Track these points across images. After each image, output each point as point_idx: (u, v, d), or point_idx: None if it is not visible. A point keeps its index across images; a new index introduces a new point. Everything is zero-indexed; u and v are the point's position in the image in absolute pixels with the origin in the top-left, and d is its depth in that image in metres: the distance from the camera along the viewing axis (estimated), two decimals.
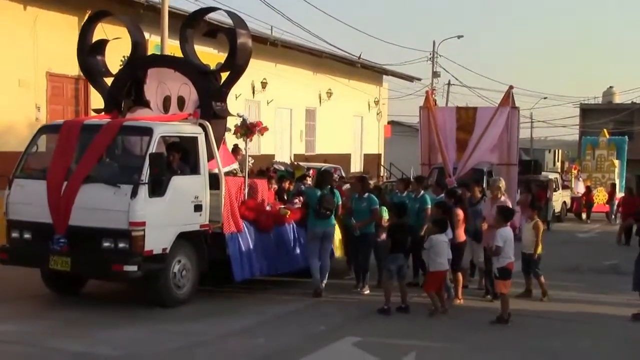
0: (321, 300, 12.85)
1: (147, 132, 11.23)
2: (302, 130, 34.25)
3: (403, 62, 60.29)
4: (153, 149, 11.01)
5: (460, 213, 13.13)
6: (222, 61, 12.93)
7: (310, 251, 13.12)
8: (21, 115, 19.25)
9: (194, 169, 11.74)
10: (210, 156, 11.89)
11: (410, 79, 42.23)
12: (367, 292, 13.39)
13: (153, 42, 22.94)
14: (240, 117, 12.96)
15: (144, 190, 10.74)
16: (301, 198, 14.22)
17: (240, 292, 12.93)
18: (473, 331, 11.28)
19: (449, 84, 54.82)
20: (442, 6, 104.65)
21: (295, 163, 18.67)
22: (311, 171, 16.70)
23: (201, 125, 11.92)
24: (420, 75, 45.56)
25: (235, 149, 14.85)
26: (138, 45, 12.96)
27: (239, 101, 28.83)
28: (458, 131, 19.05)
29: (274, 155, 30.76)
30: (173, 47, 23.51)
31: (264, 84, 30.31)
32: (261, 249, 12.74)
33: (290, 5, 30.43)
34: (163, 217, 11.05)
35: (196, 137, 11.78)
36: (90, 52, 13.01)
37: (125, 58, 14.86)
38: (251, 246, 12.50)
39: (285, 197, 14.49)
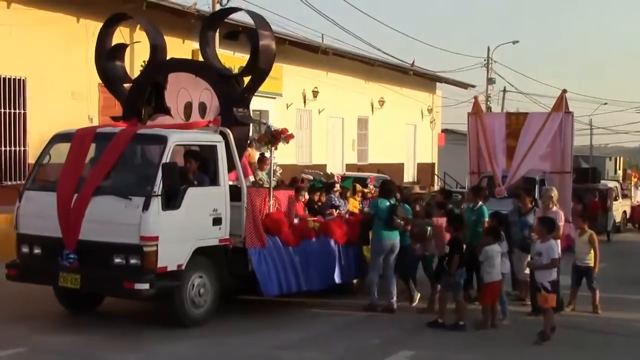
0: (371, 315, 12.09)
1: (161, 140, 10.43)
2: (354, 139, 33.78)
3: (457, 69, 59.38)
4: (167, 158, 10.19)
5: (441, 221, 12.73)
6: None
7: (374, 265, 12.40)
8: (74, 126, 18.86)
9: (213, 180, 10.92)
10: (232, 166, 11.12)
11: (464, 86, 41.52)
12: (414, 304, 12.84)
13: (189, 47, 23.03)
14: (264, 124, 12.38)
15: (156, 203, 9.94)
16: (334, 211, 13.48)
17: (278, 308, 12.14)
18: (523, 347, 10.65)
19: (504, 90, 53.86)
20: (497, 11, 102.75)
21: (329, 173, 17.76)
22: (336, 177, 15.78)
23: (222, 133, 11.10)
24: (475, 82, 44.36)
25: (262, 158, 14.07)
26: (157, 48, 12.13)
27: (290, 110, 29.00)
28: (508, 138, 18.06)
29: (325, 165, 30.36)
30: (224, 57, 24.29)
31: (315, 93, 29.97)
32: (289, 265, 11.86)
33: (342, 13, 29.73)
34: (178, 231, 10.26)
35: (215, 146, 10.95)
36: (108, 57, 12.32)
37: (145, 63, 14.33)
38: (277, 261, 11.65)
39: (317, 209, 13.59)
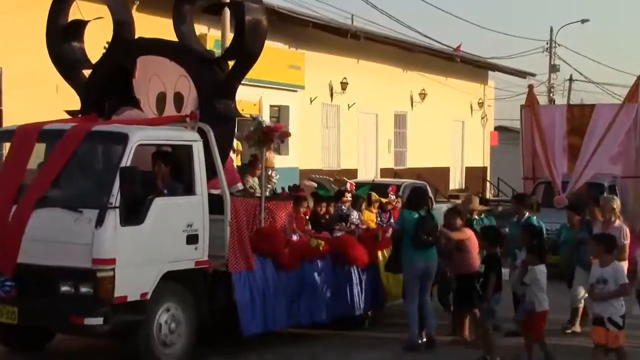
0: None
1: (121, 139, 9.67)
2: (390, 139, 33.66)
3: (513, 55, 58.99)
4: (128, 161, 9.43)
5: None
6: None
7: (410, 293, 11.71)
8: None
9: (188, 188, 10.19)
10: (213, 171, 10.44)
11: (522, 74, 40.99)
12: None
13: (212, 37, 23.15)
14: (254, 119, 11.50)
15: (113, 217, 9.18)
16: (343, 224, 12.87)
17: (280, 344, 11.36)
18: None
19: (570, 79, 52.71)
20: None
21: (342, 179, 16.96)
22: (349, 185, 15.01)
23: (200, 130, 10.45)
24: (535, 70, 43.53)
25: (254, 161, 13.33)
26: (122, 26, 11.43)
27: (314, 105, 28.91)
28: (570, 135, 17.46)
29: (356, 170, 30.21)
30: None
31: (344, 85, 29.67)
32: (283, 293, 11.22)
33: None
34: (141, 252, 9.53)
35: (191, 146, 10.22)
36: (62, 36, 11.46)
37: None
38: (267, 290, 10.95)
39: (323, 223, 12.89)
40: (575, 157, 17.23)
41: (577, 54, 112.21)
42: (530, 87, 19.94)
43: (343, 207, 13.62)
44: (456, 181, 37.24)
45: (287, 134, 11.67)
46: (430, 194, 22.26)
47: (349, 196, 14.04)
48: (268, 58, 26.82)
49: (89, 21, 11.88)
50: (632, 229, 13.53)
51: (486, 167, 40.15)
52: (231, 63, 11.35)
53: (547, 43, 48.44)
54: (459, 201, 20.49)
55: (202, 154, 10.29)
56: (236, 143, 26.56)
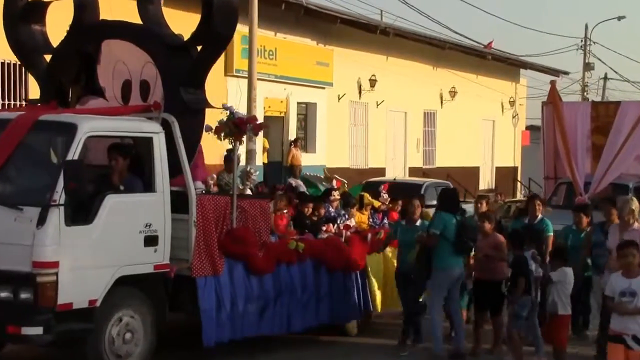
0: None
1: (69, 129, 8.80)
2: (419, 138, 33.53)
3: (546, 52, 58.93)
4: (75, 154, 8.60)
5: None
6: None
7: (437, 300, 11.02)
8: None
9: (148, 184, 9.40)
10: (177, 166, 9.62)
11: (555, 73, 40.17)
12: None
13: (239, 33, 22.56)
14: (226, 109, 10.63)
15: (56, 216, 8.37)
16: (331, 226, 12.07)
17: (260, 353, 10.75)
18: None
19: (605, 77, 52.54)
20: None
21: (332, 176, 16.36)
22: (335, 182, 14.53)
23: (164, 121, 9.59)
24: (568, 68, 42.60)
25: (228, 156, 12.62)
26: (83, 7, 10.52)
27: (342, 103, 28.86)
28: (594, 134, 16.85)
29: (384, 169, 30.15)
30: (264, 38, 24.19)
31: (372, 82, 29.64)
32: (256, 300, 10.46)
33: None
34: (90, 254, 8.74)
35: (151, 138, 9.43)
36: (21, 18, 10.57)
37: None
38: (237, 295, 10.19)
39: (309, 224, 12.03)
40: (599, 157, 16.60)
41: (612, 51, 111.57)
42: (553, 83, 19.20)
43: (330, 207, 12.76)
44: (486, 181, 36.69)
45: (261, 126, 10.95)
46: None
47: (336, 194, 13.31)
48: (296, 54, 26.20)
49: (50, 2, 10.98)
50: None
51: (517, 167, 39.45)
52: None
53: (582, 40, 47.53)
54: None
55: (163, 147, 9.55)
56: (263, 141, 25.83)
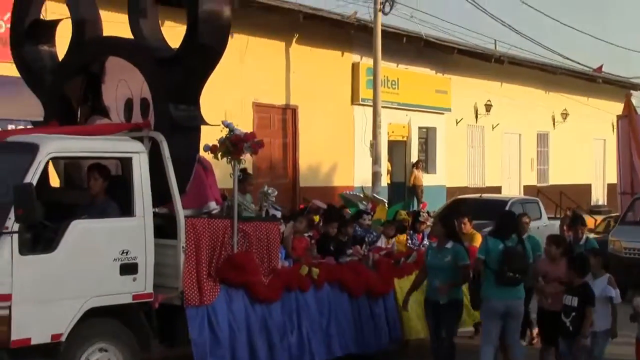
0: None
1: (30, 150, 7.89)
2: (533, 157, 33.52)
3: None
4: (33, 176, 7.68)
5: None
6: None
7: (487, 334, 9.56)
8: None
9: (126, 208, 8.34)
10: (164, 188, 8.58)
11: None
12: None
13: (365, 65, 24.31)
14: (226, 126, 9.43)
15: (8, 244, 7.43)
16: (359, 247, 11.00)
17: None
18: None
19: None
20: None
21: (373, 196, 14.84)
22: (369, 206, 12.92)
23: (153, 140, 8.64)
24: None
25: (244, 177, 11.00)
26: (82, 24, 9.60)
27: (460, 126, 29.44)
28: None
29: (500, 187, 30.31)
30: (387, 69, 25.14)
31: (488, 107, 30.00)
32: (258, 331, 9.19)
33: (517, 15, 29.86)
34: (52, 286, 7.72)
35: (130, 158, 8.42)
36: (28, 37, 9.71)
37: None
38: (237, 326, 8.98)
39: (333, 249, 10.83)
40: None
41: None
42: (628, 95, 18.46)
43: (358, 228, 11.65)
44: (598, 197, 36.37)
45: (260, 145, 9.44)
46: (543, 210, 20.05)
47: (367, 219, 12.12)
48: (417, 83, 27.07)
49: (59, 20, 10.16)
50: None
51: None
52: None
53: None
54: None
55: (145, 167, 8.50)
56: (387, 164, 26.02)
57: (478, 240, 11.23)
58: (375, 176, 23.11)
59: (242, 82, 20.86)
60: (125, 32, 9.06)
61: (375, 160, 23.35)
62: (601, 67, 34.90)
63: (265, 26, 21.46)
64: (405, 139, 27.61)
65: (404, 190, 26.71)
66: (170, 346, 9.17)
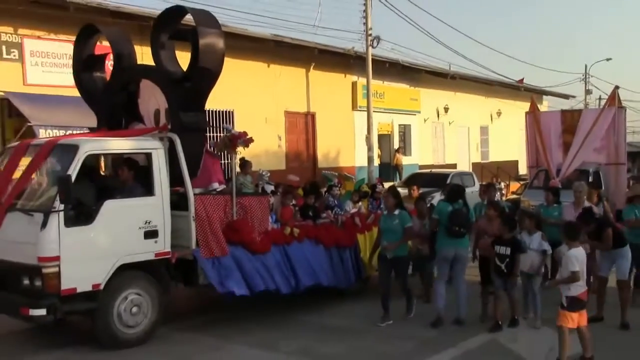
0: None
1: (72, 149, 7.73)
2: (478, 143, 32.59)
3: (558, 84, 59.74)
4: (75, 169, 7.50)
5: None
6: None
7: (439, 272, 9.08)
8: (268, 143, 19.96)
9: (148, 189, 8.08)
10: (180, 173, 8.38)
11: (565, 96, 39.09)
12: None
13: (361, 83, 23.87)
14: (225, 128, 9.69)
15: (56, 219, 7.27)
16: (330, 212, 10.41)
17: (269, 321, 9.03)
18: None
19: (599, 98, 49.11)
20: (591, 34, 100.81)
21: (343, 174, 14.62)
22: (336, 180, 12.23)
23: (170, 139, 8.39)
24: (575, 93, 40.70)
25: (244, 162, 10.90)
26: (121, 57, 9.44)
27: (427, 123, 28.34)
28: (564, 134, 15.86)
29: (455, 164, 29.21)
30: (376, 85, 23.94)
31: (446, 109, 29.22)
32: (256, 268, 8.98)
33: (464, 45, 31.44)
34: (91, 249, 7.53)
35: (150, 153, 8.17)
36: (84, 68, 9.63)
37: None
38: (241, 265, 8.74)
39: (312, 214, 10.27)
40: (567, 151, 15.60)
41: (604, 81, 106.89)
42: (532, 98, 18.36)
43: (330, 198, 11.05)
44: (523, 169, 33.17)
45: (249, 140, 9.34)
46: (476, 180, 20.12)
47: (335, 190, 11.49)
48: (396, 94, 25.66)
49: (106, 55, 9.90)
50: (612, 207, 11.17)
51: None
52: None
53: (583, 75, 47.30)
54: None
55: (162, 160, 8.14)
56: (377, 150, 25.23)
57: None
58: (370, 159, 22.57)
59: (277, 97, 20.36)
60: (150, 60, 8.60)
61: (370, 148, 22.68)
62: (522, 79, 33.78)
63: (292, 58, 20.68)
64: (389, 133, 26.83)
65: (389, 168, 25.72)
66: (192, 287, 8.72)
